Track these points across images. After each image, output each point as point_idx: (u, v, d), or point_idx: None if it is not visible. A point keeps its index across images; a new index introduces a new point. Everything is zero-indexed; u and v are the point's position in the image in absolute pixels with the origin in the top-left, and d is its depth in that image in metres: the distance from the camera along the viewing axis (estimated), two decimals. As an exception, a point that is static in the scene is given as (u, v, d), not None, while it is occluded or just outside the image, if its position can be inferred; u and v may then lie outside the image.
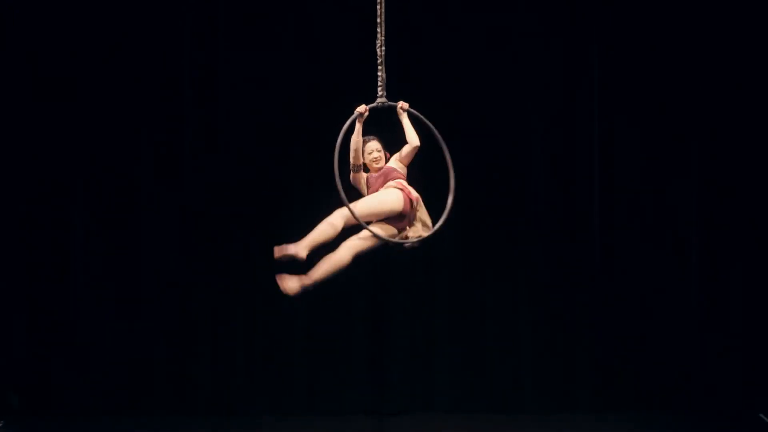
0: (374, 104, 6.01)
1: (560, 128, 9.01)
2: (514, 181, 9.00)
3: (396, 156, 6.27)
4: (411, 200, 6.05)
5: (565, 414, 8.82)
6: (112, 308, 8.85)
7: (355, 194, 6.22)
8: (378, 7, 6.08)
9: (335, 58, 8.85)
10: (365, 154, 6.22)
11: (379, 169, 6.25)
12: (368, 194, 6.19)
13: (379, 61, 6.02)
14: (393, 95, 6.10)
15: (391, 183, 6.14)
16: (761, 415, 8.59)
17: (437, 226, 5.99)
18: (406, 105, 6.10)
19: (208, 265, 8.90)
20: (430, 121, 6.08)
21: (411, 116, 6.11)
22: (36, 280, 8.83)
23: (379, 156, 6.24)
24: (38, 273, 8.83)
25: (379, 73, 6.01)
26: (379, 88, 6.02)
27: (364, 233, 5.91)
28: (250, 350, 8.92)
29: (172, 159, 8.92)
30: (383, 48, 6.02)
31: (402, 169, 6.22)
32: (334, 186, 5.82)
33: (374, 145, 6.25)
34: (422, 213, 6.16)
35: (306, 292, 5.89)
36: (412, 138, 6.11)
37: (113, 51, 8.86)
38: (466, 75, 8.94)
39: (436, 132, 6.04)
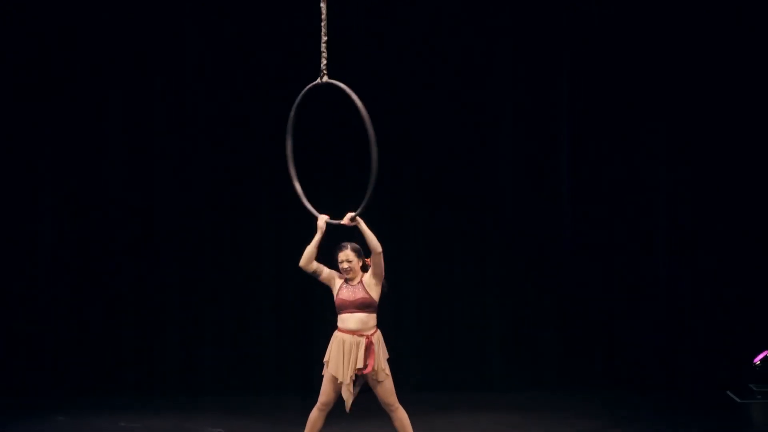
0: (316, 82, 5.95)
1: (530, 122, 9.05)
2: (485, 167, 9.05)
3: (370, 270, 5.91)
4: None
5: (534, 391, 8.83)
6: (79, 289, 8.94)
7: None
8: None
9: (280, 40, 8.86)
10: (337, 262, 5.93)
11: (351, 279, 5.93)
12: (336, 299, 5.93)
13: (323, 40, 5.96)
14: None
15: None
16: (728, 393, 8.58)
17: (362, 205, 5.89)
18: (349, 217, 5.82)
19: (178, 252, 8.99)
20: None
21: (338, 90, 5.88)
22: (2, 269, 8.92)
23: (350, 267, 5.90)
24: (5, 261, 8.91)
25: (323, 52, 5.96)
26: (323, 66, 5.96)
27: None
28: (219, 334, 8.98)
29: (142, 151, 8.98)
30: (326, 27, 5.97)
31: (374, 289, 5.89)
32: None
33: (344, 256, 5.92)
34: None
35: None
36: (372, 246, 5.79)
37: (87, 50, 8.93)
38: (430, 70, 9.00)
39: (360, 106, 5.83)
